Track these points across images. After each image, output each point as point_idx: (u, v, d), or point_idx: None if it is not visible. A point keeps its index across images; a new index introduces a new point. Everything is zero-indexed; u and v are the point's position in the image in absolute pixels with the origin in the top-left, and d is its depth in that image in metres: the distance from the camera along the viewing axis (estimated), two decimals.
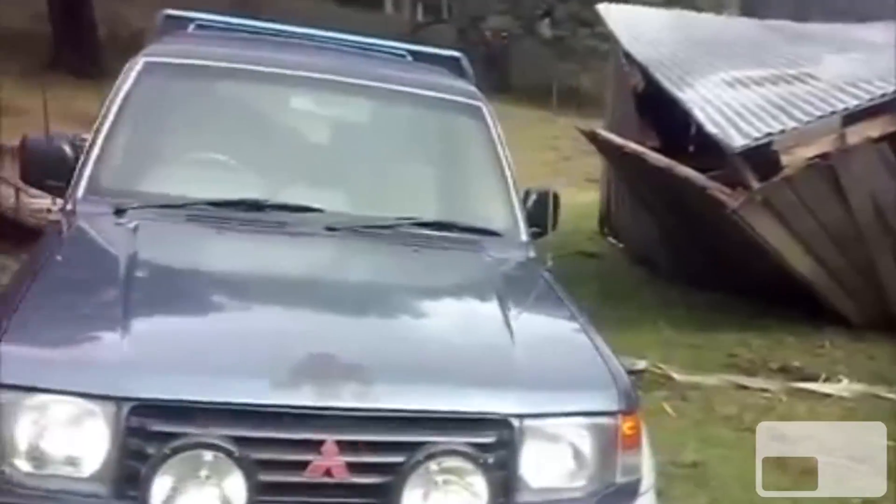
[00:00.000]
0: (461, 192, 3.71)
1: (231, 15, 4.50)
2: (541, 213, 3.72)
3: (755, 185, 6.70)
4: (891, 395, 6.34)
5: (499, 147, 3.71)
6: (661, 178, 7.36)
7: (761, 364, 6.95)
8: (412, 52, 4.48)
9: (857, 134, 6.67)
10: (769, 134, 6.62)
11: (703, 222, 7.35)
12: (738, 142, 6.59)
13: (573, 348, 2.63)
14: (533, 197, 3.73)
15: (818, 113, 6.69)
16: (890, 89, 6.71)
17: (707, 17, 11.73)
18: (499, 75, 24.91)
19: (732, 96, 7.51)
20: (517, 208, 3.57)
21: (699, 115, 7.14)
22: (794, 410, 5.96)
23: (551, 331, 2.82)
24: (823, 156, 6.71)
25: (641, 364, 6.64)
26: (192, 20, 4.23)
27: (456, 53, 4.45)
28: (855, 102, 6.73)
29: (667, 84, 7.80)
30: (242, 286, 2.70)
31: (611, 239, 11.32)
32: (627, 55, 9.11)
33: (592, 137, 7.86)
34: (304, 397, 2.12)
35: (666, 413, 5.81)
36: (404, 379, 2.26)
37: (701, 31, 10.11)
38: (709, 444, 5.27)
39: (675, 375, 6.51)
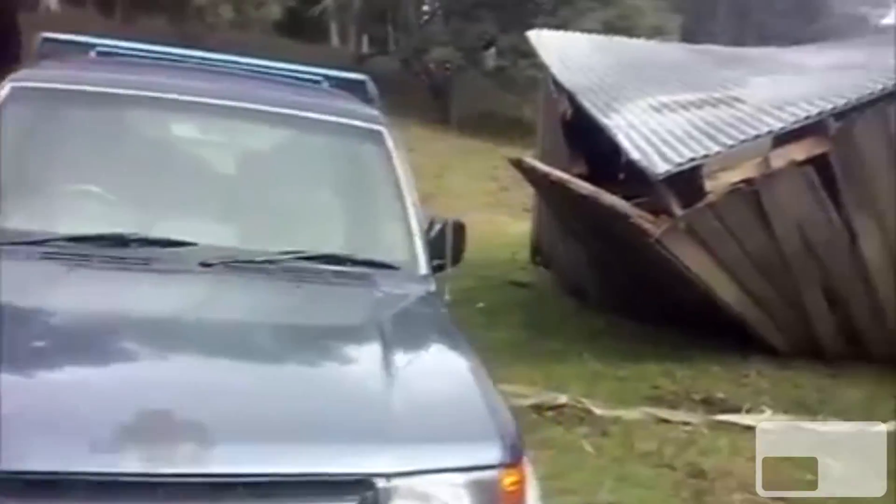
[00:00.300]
0: (356, 223, 3.48)
1: (170, 45, 4.26)
2: (446, 244, 3.47)
3: (678, 212, 6.49)
4: (812, 427, 6.17)
5: (400, 174, 3.47)
6: (586, 206, 7.13)
7: (685, 395, 6.77)
8: (323, 77, 4.25)
9: (782, 157, 6.51)
10: (692, 159, 6.43)
11: (630, 251, 7.14)
12: (660, 168, 6.39)
13: (457, 396, 2.38)
14: (437, 227, 3.47)
15: (742, 137, 6.51)
16: (814, 111, 6.56)
17: (637, 42, 11.63)
18: (442, 106, 24.88)
19: (658, 121, 7.34)
20: (417, 239, 3.33)
21: (624, 142, 6.94)
22: (714, 444, 5.78)
23: (435, 376, 2.55)
24: (748, 181, 6.53)
25: (562, 399, 6.44)
26: (90, 45, 3.95)
27: (361, 77, 4.25)
28: (779, 125, 6.57)
29: (593, 110, 7.61)
30: (81, 332, 2.38)
31: (542, 268, 11.07)
32: (556, 82, 8.93)
33: (518, 166, 7.63)
34: (130, 463, 1.81)
35: (585, 450, 5.57)
36: (250, 438, 1.97)
37: (630, 56, 10.00)
38: (626, 482, 5.09)
39: (597, 410, 6.31)
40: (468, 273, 11.00)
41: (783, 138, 6.76)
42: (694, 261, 6.74)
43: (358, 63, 27.02)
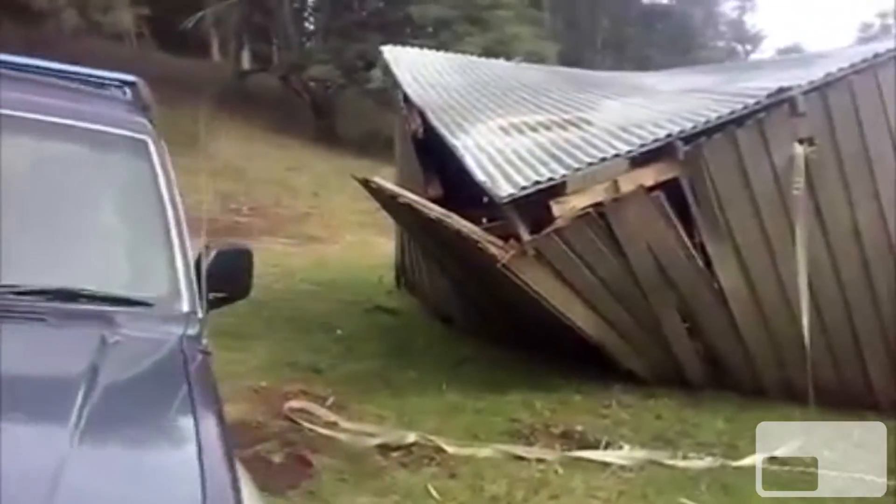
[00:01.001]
0: (101, 249, 2.95)
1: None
2: (229, 274, 3.04)
3: (525, 237, 6.15)
4: (671, 462, 5.91)
5: (164, 192, 3.00)
6: (439, 230, 6.73)
7: (543, 429, 6.47)
8: (86, 77, 3.73)
9: (631, 181, 6.24)
10: (536, 182, 6.09)
11: (487, 276, 6.77)
12: (504, 191, 6.03)
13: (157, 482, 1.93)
14: (213, 254, 2.99)
15: (588, 160, 6.22)
16: (661, 134, 6.33)
17: (495, 63, 11.36)
18: (326, 125, 24.36)
19: (506, 143, 7.01)
20: (181, 270, 2.87)
21: (470, 163, 6.57)
22: (568, 485, 5.49)
23: (136, 451, 2.08)
24: (597, 205, 6.24)
25: (411, 437, 6.01)
26: None
27: (132, 78, 3.79)
28: (626, 148, 6.31)
29: (441, 129, 7.23)
30: None
31: (408, 293, 10.64)
32: (406, 99, 8.53)
33: (366, 185, 7.18)
34: None
35: (430, 496, 5.18)
36: None
37: (486, 76, 9.71)
38: None
39: (448, 448, 5.92)
40: (330, 297, 10.65)
41: (638, 161, 6.49)
42: (545, 286, 6.42)
43: (238, 79, 26.30)
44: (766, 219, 6.63)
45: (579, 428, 6.43)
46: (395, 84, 9.04)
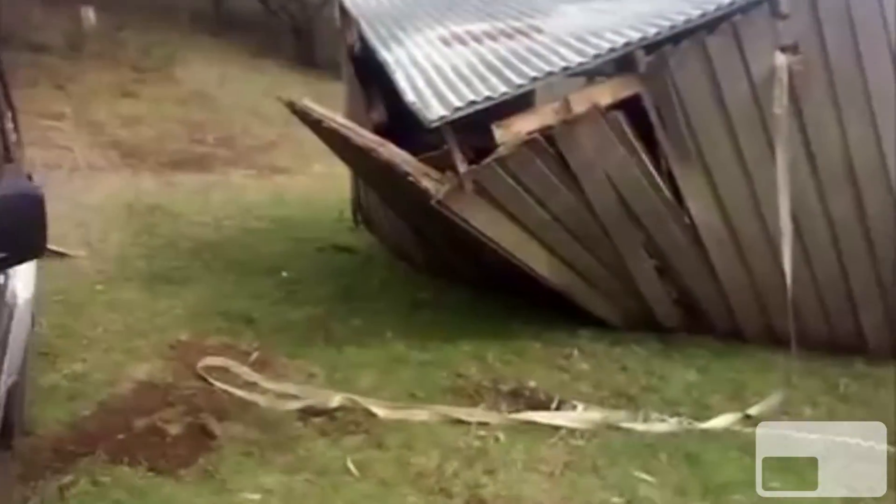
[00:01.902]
0: None
1: None
2: (9, 228, 2.40)
3: (462, 168, 5.28)
4: (629, 426, 5.18)
5: None
6: (373, 160, 5.85)
7: (490, 386, 5.73)
8: None
9: (585, 100, 5.32)
10: (473, 103, 5.19)
11: (431, 213, 5.93)
12: (435, 114, 5.14)
13: None
14: None
15: (533, 73, 5.29)
16: (620, 42, 5.39)
17: None
18: (307, 48, 23.23)
19: (444, 56, 6.06)
20: None
21: (401, 81, 5.66)
22: (509, 455, 4.78)
23: None
24: (545, 129, 5.34)
25: (336, 400, 5.27)
26: None
27: None
28: (578, 59, 5.37)
29: (374, 41, 6.28)
30: None
31: (367, 230, 9.78)
32: (343, 9, 7.54)
33: (292, 109, 6.27)
34: None
35: (347, 472, 4.48)
36: None
37: None
38: None
39: (379, 411, 5.23)
40: (284, 236, 9.81)
41: (594, 75, 5.57)
42: (489, 226, 5.59)
43: (217, 4, 25.10)
44: (744, 142, 5.76)
45: (531, 384, 5.72)
46: None
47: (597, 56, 5.35)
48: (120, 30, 18.84)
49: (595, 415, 5.31)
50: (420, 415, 5.21)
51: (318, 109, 6.08)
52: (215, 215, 10.30)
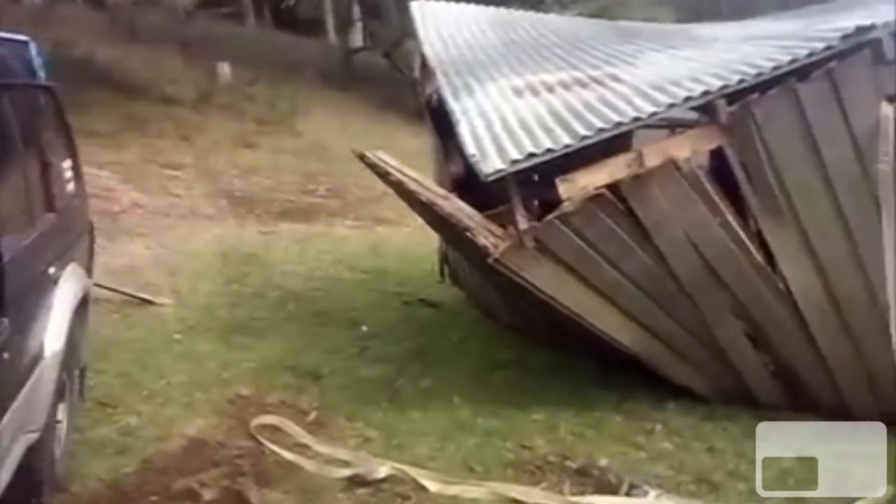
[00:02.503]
0: None
1: None
2: None
3: (523, 224, 4.89)
4: None
5: None
6: (436, 215, 5.56)
7: (558, 461, 5.24)
8: None
9: (659, 153, 4.86)
10: (532, 155, 4.81)
11: (498, 272, 5.54)
12: (491, 167, 4.80)
13: None
14: None
15: (601, 125, 4.88)
16: (698, 90, 4.91)
17: (543, 17, 9.80)
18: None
19: (513, 106, 5.70)
20: None
21: (464, 132, 5.34)
22: None
23: None
24: (614, 185, 4.90)
25: (385, 469, 4.92)
26: None
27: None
28: (651, 109, 4.92)
29: (446, 91, 6.01)
30: None
31: (452, 284, 9.44)
32: (424, 60, 7.32)
33: (362, 159, 6.06)
34: None
35: None
36: None
37: (524, 31, 8.25)
38: None
39: (430, 485, 4.83)
40: (372, 287, 9.62)
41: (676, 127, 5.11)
42: (553, 286, 5.18)
43: (345, 57, 25.76)
44: (843, 200, 5.14)
45: (603, 462, 5.20)
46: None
47: (671, 105, 4.89)
48: (251, 84, 19.45)
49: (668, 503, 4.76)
50: (473, 492, 4.79)
51: (387, 161, 5.84)
52: (309, 265, 10.21)
